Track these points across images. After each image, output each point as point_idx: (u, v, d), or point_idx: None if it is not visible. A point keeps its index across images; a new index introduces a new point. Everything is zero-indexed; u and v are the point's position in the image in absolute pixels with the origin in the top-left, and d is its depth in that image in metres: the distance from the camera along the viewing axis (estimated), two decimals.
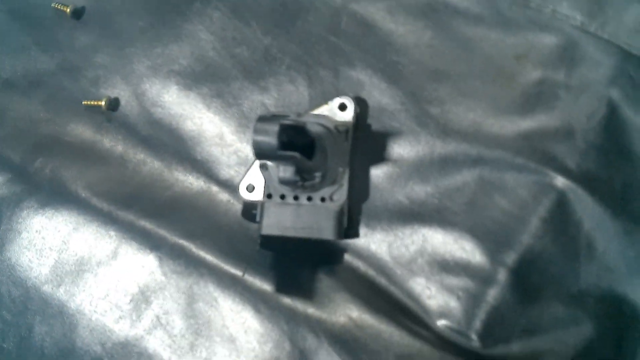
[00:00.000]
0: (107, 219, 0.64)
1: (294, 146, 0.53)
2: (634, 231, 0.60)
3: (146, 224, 0.64)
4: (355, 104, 0.62)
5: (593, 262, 0.60)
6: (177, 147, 0.67)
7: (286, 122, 0.51)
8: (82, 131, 0.68)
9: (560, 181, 0.60)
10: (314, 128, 0.58)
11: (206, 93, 0.67)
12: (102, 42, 0.71)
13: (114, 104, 0.69)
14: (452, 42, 0.65)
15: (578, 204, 0.60)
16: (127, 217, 0.64)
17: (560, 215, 0.60)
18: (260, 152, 0.51)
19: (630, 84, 0.61)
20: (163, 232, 0.63)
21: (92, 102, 0.68)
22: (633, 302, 0.60)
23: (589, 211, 0.60)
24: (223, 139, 0.66)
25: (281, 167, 0.56)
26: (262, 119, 0.51)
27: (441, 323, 0.60)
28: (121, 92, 0.69)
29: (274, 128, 0.50)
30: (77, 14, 0.72)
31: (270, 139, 0.50)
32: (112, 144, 0.68)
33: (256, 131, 0.50)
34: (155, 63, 0.69)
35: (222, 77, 0.68)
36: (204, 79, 0.68)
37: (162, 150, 0.67)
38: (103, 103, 0.68)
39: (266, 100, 0.66)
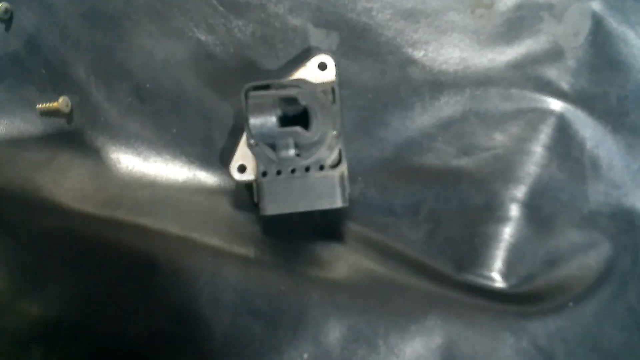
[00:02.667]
0: (96, 223, 0.60)
1: (289, 119, 0.49)
2: (635, 144, 0.59)
3: (140, 221, 0.59)
4: (335, 61, 0.58)
5: (600, 180, 0.59)
6: (152, 138, 0.62)
7: (279, 94, 0.47)
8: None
9: (557, 105, 0.58)
10: (302, 95, 0.53)
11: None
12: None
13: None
14: None
15: (578, 125, 0.58)
16: (117, 217, 0.60)
17: (563, 139, 0.59)
18: (260, 134, 0.46)
19: None
20: (159, 228, 0.59)
21: (47, 105, 0.62)
22: None
23: (589, 130, 0.59)
24: (204, 119, 0.62)
25: (279, 145, 0.51)
26: (252, 97, 0.46)
27: (463, 271, 0.58)
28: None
29: (269, 103, 0.45)
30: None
31: (268, 118, 0.45)
32: (81, 147, 0.62)
33: (251, 112, 0.45)
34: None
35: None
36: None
37: (137, 144, 0.62)
38: (60, 103, 0.62)
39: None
